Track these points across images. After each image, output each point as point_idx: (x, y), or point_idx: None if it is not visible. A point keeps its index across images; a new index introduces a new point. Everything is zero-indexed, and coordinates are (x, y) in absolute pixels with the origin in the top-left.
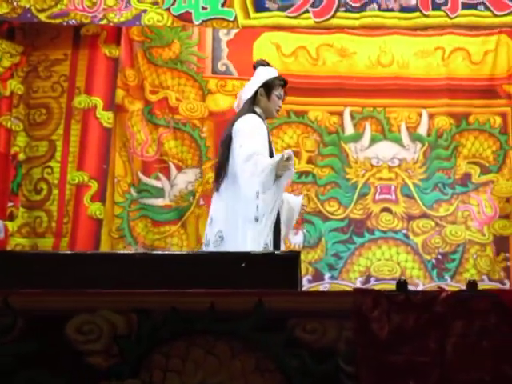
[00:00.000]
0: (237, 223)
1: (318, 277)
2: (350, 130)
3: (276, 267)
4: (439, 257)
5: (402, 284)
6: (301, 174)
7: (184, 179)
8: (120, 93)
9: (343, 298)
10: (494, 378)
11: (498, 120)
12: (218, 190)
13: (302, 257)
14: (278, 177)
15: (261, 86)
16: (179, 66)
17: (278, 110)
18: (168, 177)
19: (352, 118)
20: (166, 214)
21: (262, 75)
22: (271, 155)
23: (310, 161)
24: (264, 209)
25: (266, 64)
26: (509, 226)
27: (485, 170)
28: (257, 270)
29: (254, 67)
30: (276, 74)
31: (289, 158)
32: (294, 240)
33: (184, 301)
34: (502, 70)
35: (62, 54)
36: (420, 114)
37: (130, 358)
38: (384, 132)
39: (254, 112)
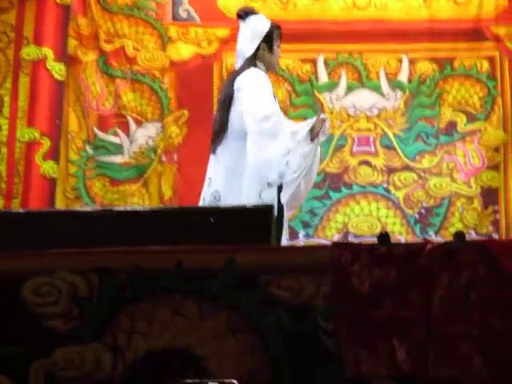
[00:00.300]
0: (239, 185)
1: (292, 235)
2: (324, 78)
3: (249, 222)
4: (422, 211)
5: (383, 236)
6: None
7: (144, 134)
8: (72, 43)
9: (320, 252)
10: (482, 332)
11: (485, 64)
12: (214, 152)
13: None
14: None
15: (262, 40)
16: (136, 13)
17: (277, 62)
18: (127, 132)
19: (326, 65)
20: (125, 171)
21: (260, 27)
22: None
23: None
24: (289, 174)
25: (254, 11)
26: (497, 177)
27: (471, 118)
28: (228, 225)
29: (241, 16)
30: (269, 23)
31: (324, 121)
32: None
33: (149, 258)
34: (489, 9)
35: (7, 1)
36: (400, 60)
37: (91, 320)
38: (361, 80)
39: (256, 67)
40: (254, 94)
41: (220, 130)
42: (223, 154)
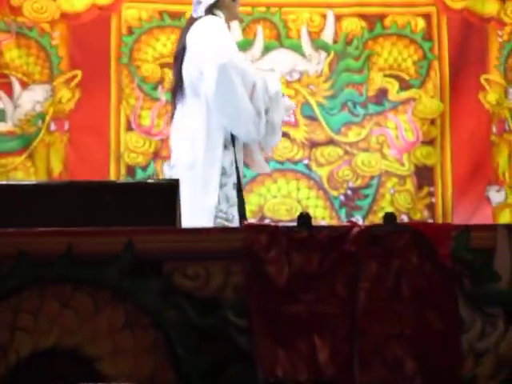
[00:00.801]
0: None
1: None
2: (237, 35)
3: (150, 200)
4: (349, 192)
5: (304, 218)
6: None
7: (31, 98)
8: None
9: (231, 235)
10: (416, 331)
11: (421, 23)
12: (173, 117)
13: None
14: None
15: None
16: None
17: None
18: (10, 95)
19: (240, 19)
20: (7, 142)
21: None
22: None
23: None
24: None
25: None
26: (433, 153)
27: (404, 85)
28: (126, 203)
29: None
30: None
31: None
32: (167, 173)
33: (34, 242)
34: None
35: None
36: (324, 16)
37: None
38: (280, 38)
39: (213, 15)
40: (214, 38)
41: (175, 90)
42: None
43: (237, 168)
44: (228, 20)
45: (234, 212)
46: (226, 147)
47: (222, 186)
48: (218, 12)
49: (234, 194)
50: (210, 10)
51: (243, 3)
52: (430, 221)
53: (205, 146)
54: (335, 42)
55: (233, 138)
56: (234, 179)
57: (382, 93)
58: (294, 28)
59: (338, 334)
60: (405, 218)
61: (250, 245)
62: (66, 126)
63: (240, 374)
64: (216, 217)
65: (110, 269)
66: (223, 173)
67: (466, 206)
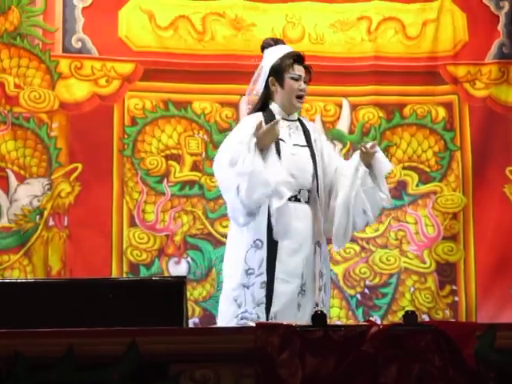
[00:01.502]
0: None
1: (207, 319)
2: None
3: (155, 297)
4: (366, 291)
5: (318, 317)
6: (183, 184)
7: (27, 193)
8: None
9: (242, 335)
10: None
11: (442, 112)
12: None
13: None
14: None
15: (270, 75)
16: (19, 42)
17: (300, 96)
18: (6, 190)
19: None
20: (3, 239)
21: (269, 59)
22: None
23: (195, 167)
24: None
25: (274, 43)
26: (456, 249)
27: (425, 178)
28: (130, 301)
29: (262, 49)
30: (285, 51)
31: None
32: (173, 271)
33: (32, 343)
34: (446, 46)
35: None
36: (340, 105)
37: None
38: None
39: (264, 110)
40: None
41: None
42: None
43: (269, 267)
44: (288, 111)
45: (261, 312)
46: (256, 246)
47: (248, 285)
48: (273, 104)
49: (261, 293)
50: (258, 104)
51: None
52: (453, 320)
53: (231, 244)
54: (351, 132)
55: (269, 236)
56: (263, 278)
57: (401, 186)
58: (308, 117)
59: None
60: (426, 318)
61: (261, 346)
62: (66, 222)
63: None
64: (241, 318)
65: (113, 370)
66: (250, 272)
67: (491, 305)
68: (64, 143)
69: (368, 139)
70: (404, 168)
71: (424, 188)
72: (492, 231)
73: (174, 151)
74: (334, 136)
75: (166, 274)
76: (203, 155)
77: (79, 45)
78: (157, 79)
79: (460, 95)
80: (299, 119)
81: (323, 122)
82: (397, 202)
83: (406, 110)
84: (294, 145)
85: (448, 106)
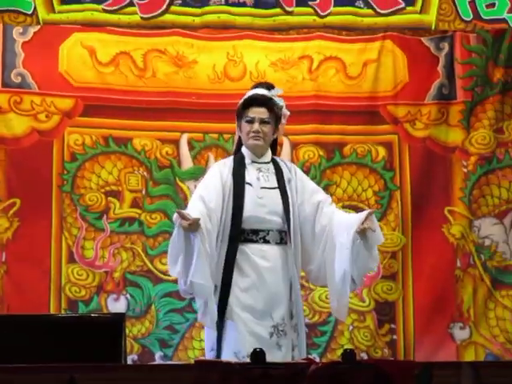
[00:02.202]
0: None
1: (146, 356)
2: (188, 163)
3: (94, 334)
4: (305, 329)
5: (257, 355)
6: (123, 220)
7: None
8: None
9: (182, 372)
10: None
11: (382, 151)
12: None
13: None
14: None
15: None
16: None
17: (252, 137)
18: None
19: (191, 147)
20: None
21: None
22: (238, 210)
23: (135, 204)
24: None
25: (253, 87)
26: (395, 288)
27: None
28: (68, 338)
29: None
30: (246, 96)
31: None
32: (112, 307)
33: None
34: (387, 86)
35: None
36: (281, 144)
37: None
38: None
39: (236, 153)
40: None
41: None
42: None
43: (220, 310)
44: (254, 152)
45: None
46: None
47: None
48: (244, 147)
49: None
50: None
51: (194, 129)
52: (391, 359)
53: None
54: None
55: (224, 278)
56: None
57: None
58: None
59: None
60: (364, 357)
61: (201, 383)
62: (3, 257)
63: None
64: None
65: None
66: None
67: (428, 344)
68: (2, 178)
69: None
70: (344, 207)
71: None
72: (430, 270)
73: (114, 187)
74: None
75: (104, 311)
76: (143, 192)
77: (19, 79)
78: (97, 115)
79: (400, 135)
80: (273, 160)
81: None
82: None
83: (346, 149)
84: (262, 188)
85: (388, 146)
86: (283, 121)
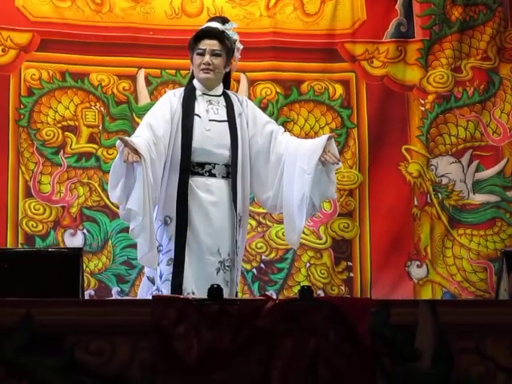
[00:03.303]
0: None
1: (102, 291)
2: (145, 98)
3: (51, 268)
4: (262, 266)
5: (215, 290)
6: (80, 156)
7: None
8: None
9: (139, 308)
10: None
11: (340, 89)
12: None
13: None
14: None
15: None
16: None
17: (203, 69)
18: None
19: (148, 82)
20: None
21: None
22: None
23: (92, 139)
24: None
25: (208, 21)
26: (352, 226)
27: None
28: (25, 272)
29: None
30: (198, 30)
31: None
32: (69, 242)
33: None
34: (344, 24)
35: None
36: (238, 80)
37: None
38: None
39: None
40: None
41: None
42: None
43: (177, 244)
44: (205, 84)
45: (165, 288)
46: (165, 223)
47: (158, 262)
48: (195, 80)
49: (168, 270)
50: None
51: (152, 64)
52: (348, 296)
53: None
54: None
55: (178, 212)
56: (171, 255)
57: None
58: None
59: None
60: (321, 294)
61: (158, 319)
62: None
63: None
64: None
65: (6, 342)
66: (159, 250)
67: (385, 282)
68: None
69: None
70: None
71: None
72: (387, 209)
73: (71, 122)
74: None
75: (61, 246)
76: (100, 127)
77: None
78: (54, 50)
79: (357, 73)
80: (224, 93)
81: None
82: None
83: (304, 87)
84: (210, 120)
85: (345, 84)
86: (237, 54)
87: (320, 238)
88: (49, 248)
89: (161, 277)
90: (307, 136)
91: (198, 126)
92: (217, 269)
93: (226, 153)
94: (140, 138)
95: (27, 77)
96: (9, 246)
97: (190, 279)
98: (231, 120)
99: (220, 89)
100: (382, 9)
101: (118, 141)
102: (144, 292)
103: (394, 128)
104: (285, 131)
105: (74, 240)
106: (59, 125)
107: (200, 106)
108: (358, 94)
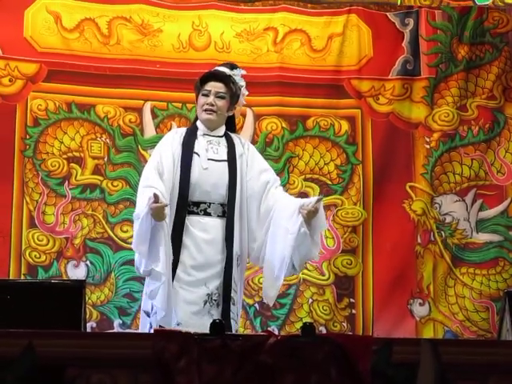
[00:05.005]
0: None
1: (104, 324)
2: (151, 131)
3: (53, 300)
4: (264, 301)
5: (217, 325)
6: (84, 187)
7: None
8: None
9: (140, 341)
10: None
11: (345, 125)
12: None
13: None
14: None
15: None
16: None
17: (205, 110)
18: None
19: (154, 115)
20: None
21: None
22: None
23: (97, 171)
24: None
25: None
26: (355, 262)
27: (326, 190)
28: (28, 303)
29: None
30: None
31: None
32: (72, 274)
33: None
34: (351, 60)
35: None
36: (244, 115)
37: None
38: None
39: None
40: None
41: None
42: None
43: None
44: (207, 126)
45: (154, 322)
46: None
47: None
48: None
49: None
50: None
51: (158, 97)
52: (350, 333)
53: None
54: (254, 142)
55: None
56: None
57: (303, 197)
58: None
59: None
60: (323, 330)
61: (159, 353)
62: None
63: None
64: (150, 327)
65: (7, 373)
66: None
67: (387, 319)
68: None
69: (271, 149)
70: (306, 180)
71: (325, 200)
72: (390, 246)
73: (76, 154)
74: None
75: (64, 277)
76: (105, 159)
77: None
78: (61, 81)
79: (363, 109)
80: (226, 135)
81: None
82: None
83: (310, 122)
84: (209, 159)
85: (351, 120)
86: (242, 100)
87: (323, 274)
88: (52, 279)
89: (152, 309)
90: (312, 172)
91: (197, 164)
92: (204, 301)
93: (222, 192)
94: (157, 190)
95: (34, 107)
96: (11, 276)
97: (178, 311)
98: (231, 160)
99: (222, 130)
100: (388, 46)
101: (151, 197)
102: (143, 326)
103: (398, 165)
104: (280, 185)
105: (76, 271)
106: (64, 156)
107: (200, 144)
108: (364, 131)
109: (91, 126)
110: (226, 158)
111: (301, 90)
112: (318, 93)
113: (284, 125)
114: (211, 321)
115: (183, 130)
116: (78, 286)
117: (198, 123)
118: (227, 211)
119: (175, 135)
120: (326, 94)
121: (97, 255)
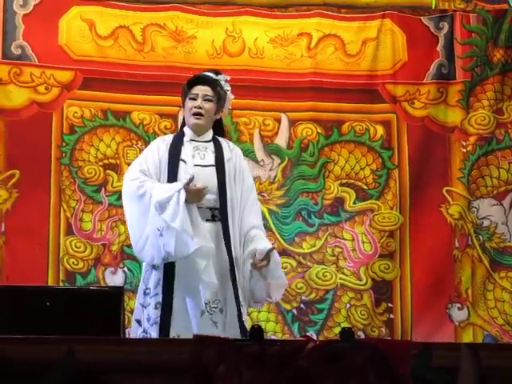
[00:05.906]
0: None
1: None
2: None
3: (92, 307)
4: (302, 306)
5: (256, 331)
6: (121, 194)
7: None
8: None
9: (179, 347)
10: None
11: (380, 130)
12: None
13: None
14: None
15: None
16: None
17: (194, 114)
18: None
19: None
20: None
21: None
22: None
23: None
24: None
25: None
26: (392, 267)
27: (362, 195)
28: (67, 310)
29: None
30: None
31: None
32: (109, 280)
33: None
34: (385, 65)
35: None
36: (279, 120)
37: None
38: (231, 141)
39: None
40: None
41: None
42: None
43: (165, 287)
44: (195, 131)
45: (154, 331)
46: (153, 267)
47: (145, 305)
48: (186, 126)
49: (156, 313)
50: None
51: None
52: (388, 339)
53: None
54: (289, 147)
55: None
56: (158, 298)
57: (339, 202)
58: (247, 132)
59: None
60: (361, 335)
61: (198, 358)
62: (2, 228)
63: None
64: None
65: (48, 379)
66: (147, 293)
67: (426, 324)
68: (2, 149)
69: (306, 155)
70: (341, 185)
71: (361, 205)
72: (428, 250)
73: (112, 161)
74: (271, 151)
75: (101, 284)
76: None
77: (19, 51)
78: (96, 88)
79: (398, 114)
80: (214, 139)
81: (262, 137)
82: (334, 219)
83: (345, 127)
84: (195, 165)
85: (386, 125)
86: (227, 105)
87: (360, 279)
88: (90, 286)
89: (148, 320)
90: (348, 177)
91: (183, 171)
92: (201, 311)
93: (210, 196)
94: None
95: (69, 115)
96: (50, 283)
97: (177, 321)
98: (218, 164)
99: (209, 135)
100: (423, 50)
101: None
102: (133, 334)
103: (435, 169)
104: (258, 209)
105: (114, 278)
106: (101, 163)
107: (186, 151)
108: (399, 135)
109: (127, 132)
110: (213, 162)
111: (335, 95)
112: (352, 98)
113: (319, 130)
114: (216, 329)
115: (170, 138)
116: (117, 293)
117: (186, 129)
118: (221, 216)
119: (161, 143)
120: (361, 99)
121: (134, 261)
